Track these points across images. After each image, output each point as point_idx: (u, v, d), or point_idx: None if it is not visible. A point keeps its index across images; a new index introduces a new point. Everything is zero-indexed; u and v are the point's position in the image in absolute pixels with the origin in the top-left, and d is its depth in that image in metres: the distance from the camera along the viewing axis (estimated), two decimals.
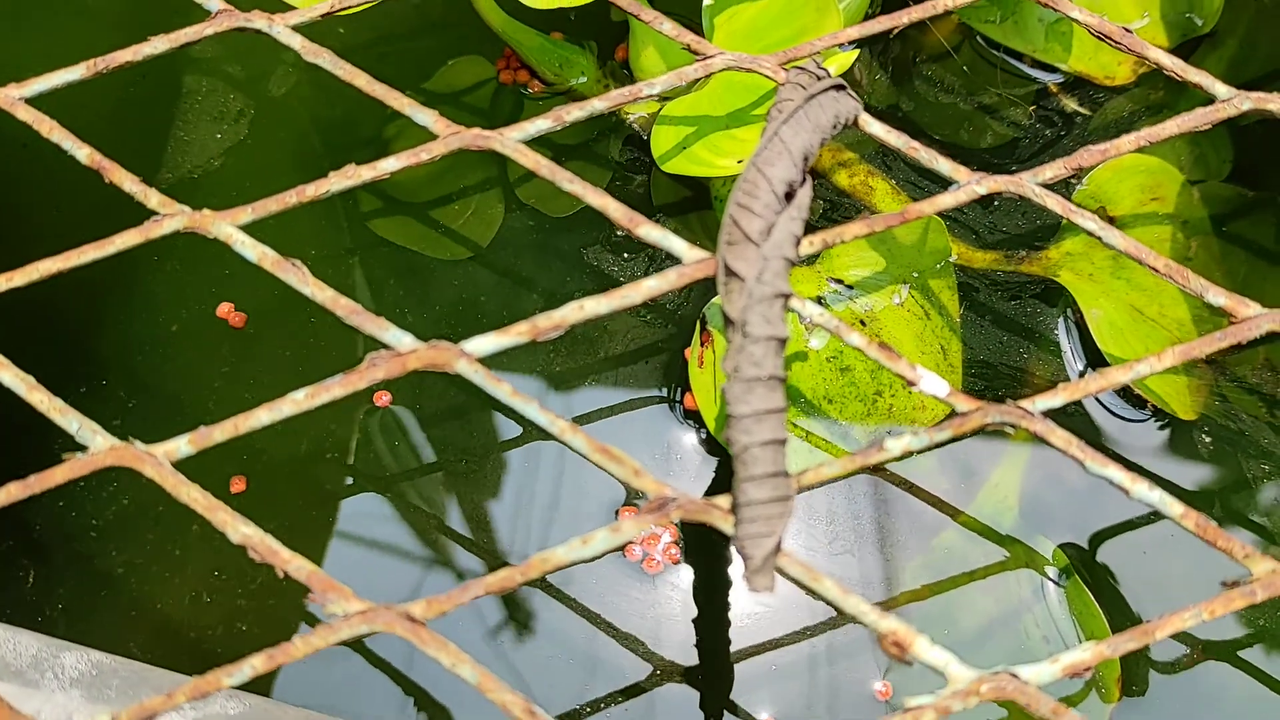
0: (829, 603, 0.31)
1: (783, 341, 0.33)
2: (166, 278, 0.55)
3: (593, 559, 0.32)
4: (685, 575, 0.49)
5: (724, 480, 0.51)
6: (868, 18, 0.57)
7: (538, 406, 0.34)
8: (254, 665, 0.31)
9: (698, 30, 0.46)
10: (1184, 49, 0.57)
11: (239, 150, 0.59)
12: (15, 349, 0.36)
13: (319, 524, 0.50)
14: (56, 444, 0.42)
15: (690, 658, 0.48)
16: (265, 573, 0.49)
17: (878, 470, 0.50)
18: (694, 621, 0.49)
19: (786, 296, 0.33)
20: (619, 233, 0.56)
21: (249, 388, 0.53)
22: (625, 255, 0.55)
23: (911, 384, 0.34)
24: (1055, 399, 0.34)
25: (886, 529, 0.49)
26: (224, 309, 0.54)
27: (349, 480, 0.51)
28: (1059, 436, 0.33)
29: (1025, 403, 0.34)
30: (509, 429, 0.52)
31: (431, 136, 0.38)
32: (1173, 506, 0.33)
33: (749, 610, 0.49)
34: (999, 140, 0.57)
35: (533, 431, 0.52)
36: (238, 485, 0.50)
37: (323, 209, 0.58)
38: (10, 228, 0.57)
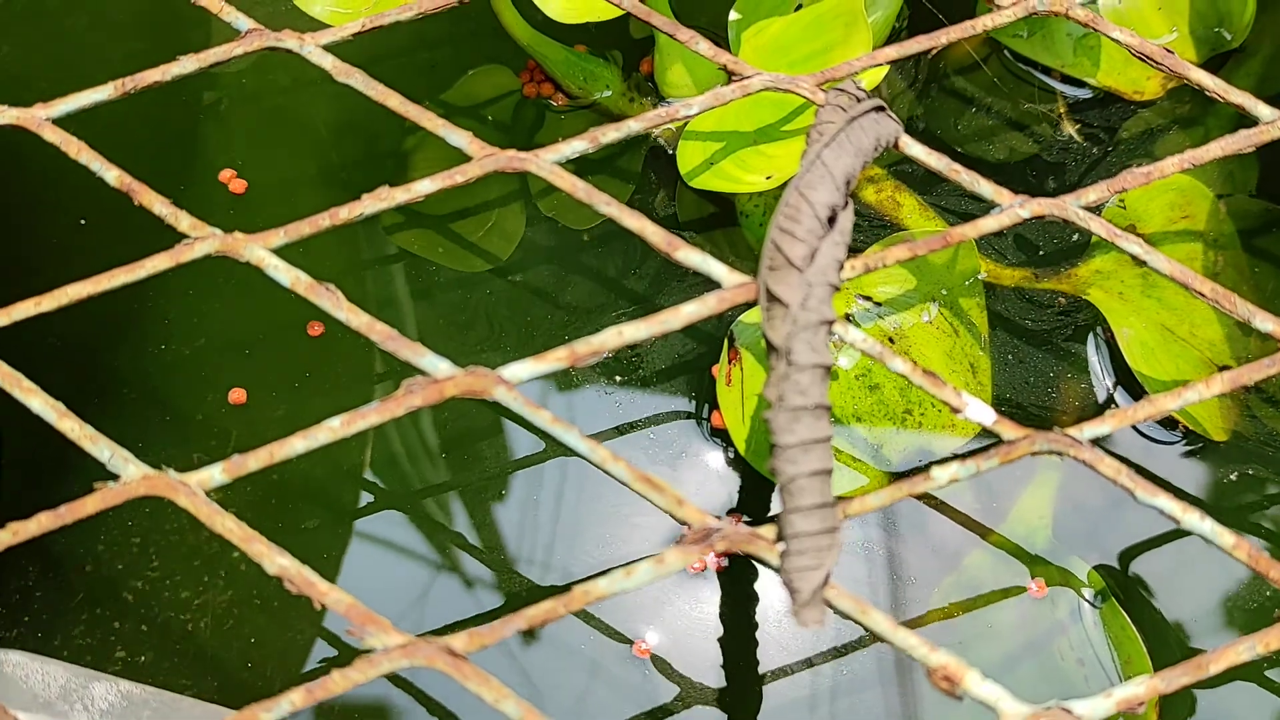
0: (878, 636, 0.31)
1: (828, 369, 0.32)
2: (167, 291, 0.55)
3: (635, 589, 0.32)
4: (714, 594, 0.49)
5: (751, 500, 0.50)
6: (894, 32, 0.57)
7: (578, 434, 0.33)
8: (293, 701, 0.30)
9: (720, 44, 0.45)
10: (1213, 63, 0.57)
11: (256, 165, 0.58)
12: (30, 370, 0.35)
13: (331, 539, 0.50)
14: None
15: (718, 679, 0.48)
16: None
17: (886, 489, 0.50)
18: (720, 641, 0.48)
19: (830, 323, 0.33)
20: (643, 247, 0.55)
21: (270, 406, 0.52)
22: (649, 268, 0.55)
23: (957, 411, 0.34)
24: (1103, 426, 0.33)
25: (916, 548, 0.49)
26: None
27: (363, 494, 0.51)
28: (1108, 465, 0.33)
29: (1073, 430, 0.33)
30: (524, 442, 0.52)
31: (462, 155, 0.38)
32: (1224, 537, 0.32)
33: (774, 632, 0.48)
34: (1026, 155, 0.57)
35: (553, 449, 0.51)
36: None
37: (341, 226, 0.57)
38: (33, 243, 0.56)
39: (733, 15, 0.52)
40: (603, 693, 0.47)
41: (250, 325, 0.54)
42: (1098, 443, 0.33)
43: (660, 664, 0.47)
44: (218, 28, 0.61)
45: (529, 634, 0.48)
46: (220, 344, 0.54)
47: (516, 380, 0.34)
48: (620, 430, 0.51)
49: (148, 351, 0.53)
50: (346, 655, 0.47)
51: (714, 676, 0.47)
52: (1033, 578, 0.48)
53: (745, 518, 0.50)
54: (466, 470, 0.51)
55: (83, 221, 0.56)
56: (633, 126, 0.38)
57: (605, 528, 0.50)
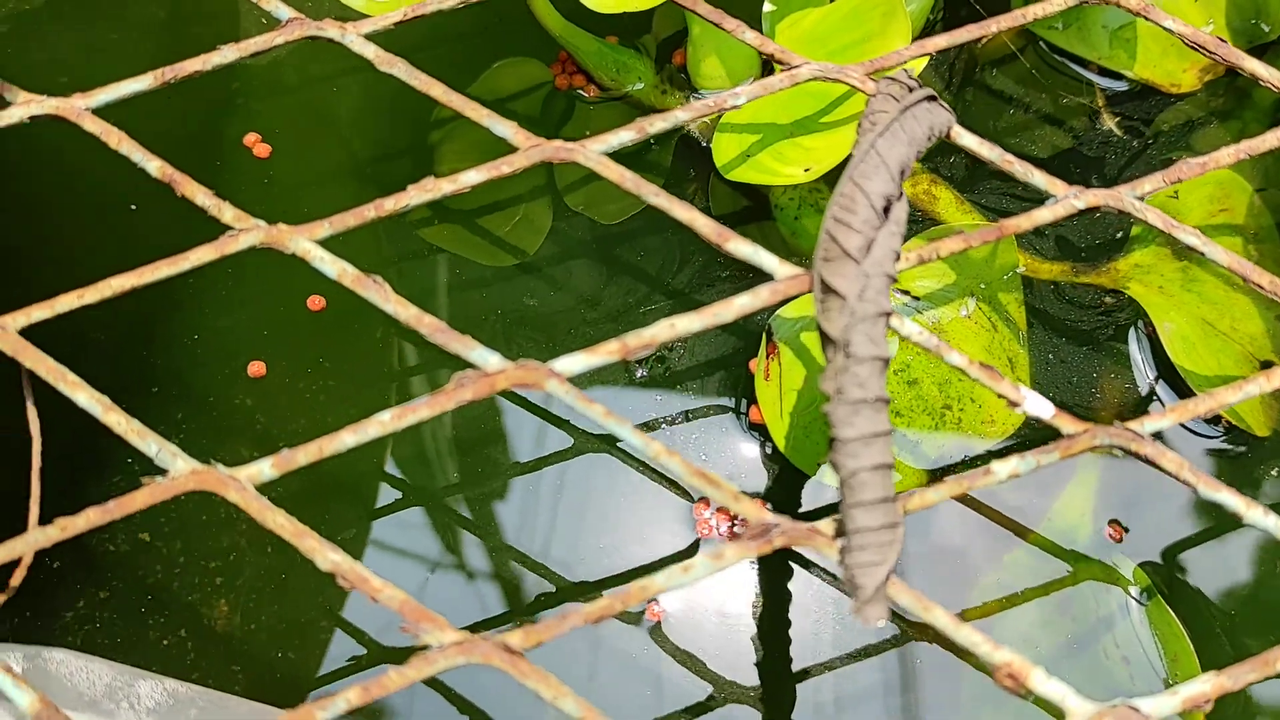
0: (940, 632, 0.31)
1: (886, 361, 0.32)
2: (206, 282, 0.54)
3: (692, 584, 0.31)
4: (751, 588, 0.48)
5: (785, 493, 0.50)
6: (928, 24, 0.57)
7: (630, 428, 0.33)
8: (349, 699, 0.30)
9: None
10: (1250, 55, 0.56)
11: (284, 156, 0.58)
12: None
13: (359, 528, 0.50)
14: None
15: (751, 677, 0.47)
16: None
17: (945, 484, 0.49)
18: (752, 639, 0.48)
19: (889, 314, 0.32)
20: (674, 240, 0.55)
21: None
22: (680, 261, 0.54)
23: (1014, 405, 0.33)
24: (1164, 420, 0.33)
25: (957, 545, 0.48)
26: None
27: (382, 491, 0.50)
28: (1170, 460, 0.32)
29: (1134, 424, 0.33)
30: (540, 436, 0.51)
31: (497, 145, 0.37)
32: None
33: (809, 628, 0.48)
34: (1064, 148, 0.56)
35: (582, 444, 0.51)
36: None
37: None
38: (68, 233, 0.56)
39: (767, 6, 0.51)
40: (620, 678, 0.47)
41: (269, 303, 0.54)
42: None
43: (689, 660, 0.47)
44: (245, 19, 0.60)
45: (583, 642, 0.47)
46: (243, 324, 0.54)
47: (568, 373, 0.33)
48: (655, 424, 0.51)
49: (178, 340, 0.53)
50: (374, 649, 0.47)
51: (747, 672, 0.47)
52: (1110, 524, 0.47)
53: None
54: (484, 466, 0.51)
55: (134, 207, 0.56)
56: (680, 116, 0.37)
57: (628, 520, 0.49)
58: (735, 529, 0.48)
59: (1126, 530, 0.48)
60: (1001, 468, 0.32)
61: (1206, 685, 0.30)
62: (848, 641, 0.47)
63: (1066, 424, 0.33)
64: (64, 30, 0.61)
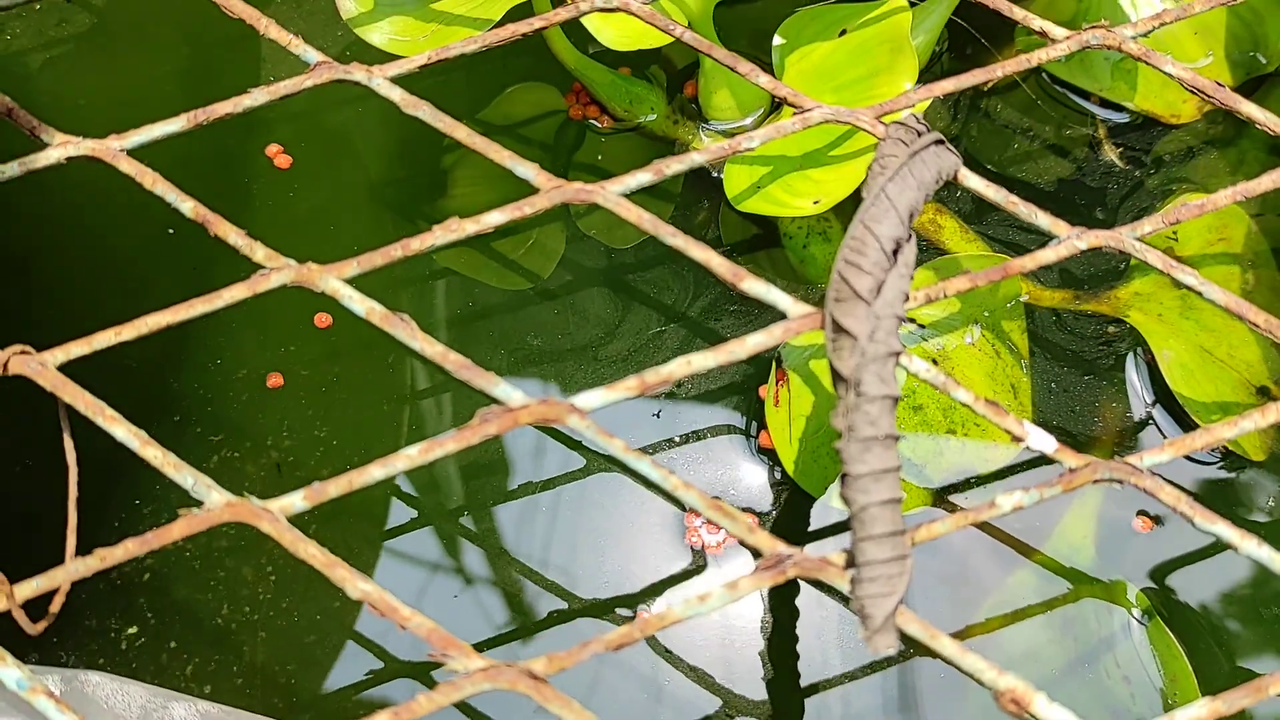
0: (947, 661, 0.32)
1: (896, 400, 0.33)
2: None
3: (708, 614, 0.33)
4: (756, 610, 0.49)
5: (794, 514, 0.51)
6: (934, 55, 0.58)
7: (650, 463, 0.34)
8: None
9: (764, 69, 0.46)
10: (1247, 87, 0.58)
11: (299, 181, 0.59)
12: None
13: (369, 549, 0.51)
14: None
15: (759, 692, 0.49)
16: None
17: (948, 506, 0.51)
18: (761, 655, 0.49)
19: (898, 354, 0.34)
20: (685, 268, 0.56)
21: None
22: (693, 285, 0.56)
23: (1019, 439, 0.34)
24: (1162, 455, 0.34)
25: (963, 566, 0.50)
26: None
27: (397, 504, 0.52)
28: (1168, 493, 0.33)
29: (1133, 459, 0.34)
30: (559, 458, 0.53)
31: (507, 176, 0.38)
32: None
33: (816, 644, 0.49)
34: (1065, 178, 0.58)
35: (593, 465, 0.52)
36: None
37: (387, 236, 0.58)
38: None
39: (777, 40, 0.52)
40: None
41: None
42: (1098, 450, 0.34)
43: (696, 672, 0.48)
44: (266, 48, 0.62)
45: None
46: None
47: (589, 408, 0.34)
48: (667, 446, 0.52)
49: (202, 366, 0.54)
50: (391, 664, 0.48)
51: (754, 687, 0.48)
52: (1138, 515, 0.48)
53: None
54: (489, 481, 0.52)
55: (170, 231, 0.57)
56: (696, 159, 0.38)
57: (634, 542, 0.50)
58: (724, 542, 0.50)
59: (1158, 521, 0.49)
60: (1006, 501, 0.33)
61: (1203, 710, 0.31)
62: (854, 658, 0.49)
63: (1069, 458, 0.34)
64: (93, 61, 0.63)
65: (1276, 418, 0.35)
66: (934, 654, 0.46)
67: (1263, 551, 0.33)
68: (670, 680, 0.48)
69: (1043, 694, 0.31)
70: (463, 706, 0.47)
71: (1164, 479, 0.34)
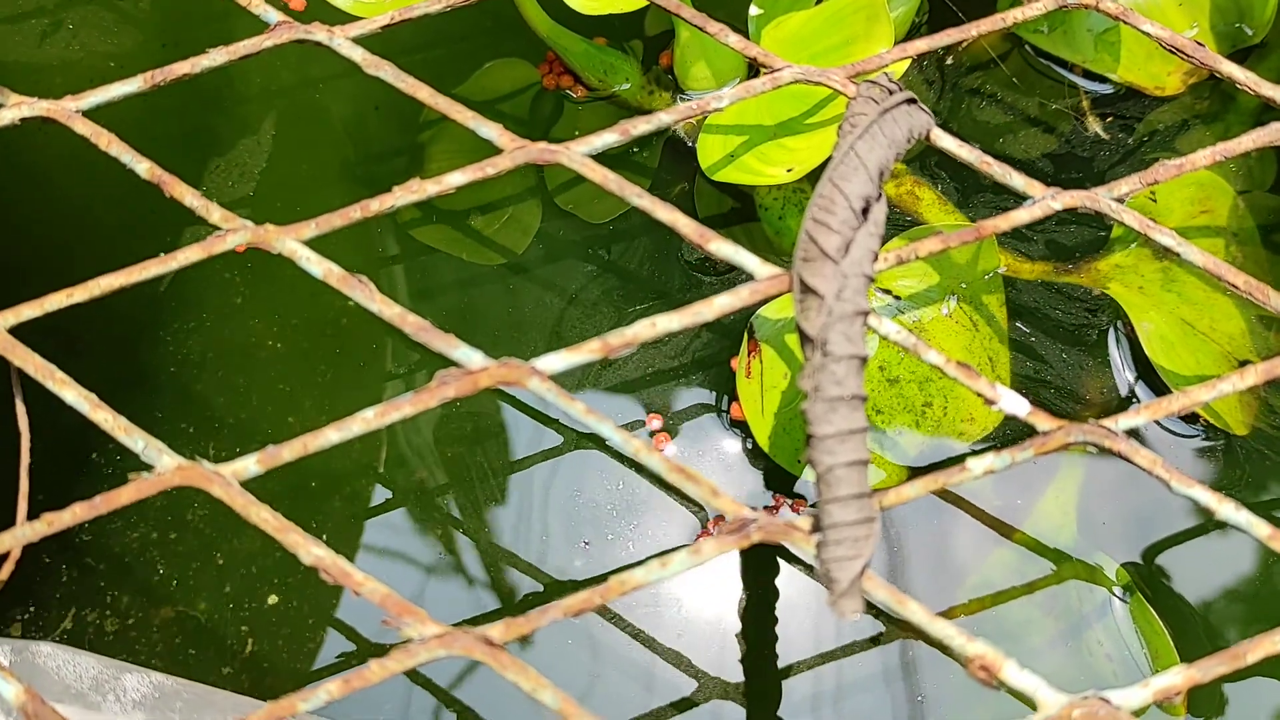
0: (914, 626, 0.31)
1: (864, 360, 0.32)
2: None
3: (670, 579, 0.32)
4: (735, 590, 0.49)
5: (770, 489, 0.50)
6: (913, 27, 0.57)
7: (612, 426, 0.33)
8: (329, 690, 0.30)
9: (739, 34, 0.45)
10: (1233, 59, 0.57)
11: (275, 159, 0.58)
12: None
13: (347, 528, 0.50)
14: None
15: (736, 674, 0.48)
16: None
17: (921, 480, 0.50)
18: (738, 636, 0.48)
19: (866, 314, 0.33)
20: (661, 240, 0.55)
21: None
22: (666, 260, 0.55)
23: (991, 402, 0.34)
24: (1138, 418, 0.33)
25: (940, 545, 0.49)
26: None
27: (377, 486, 0.51)
28: (1143, 456, 0.33)
29: (1108, 421, 0.33)
30: (533, 436, 0.52)
31: (485, 147, 0.38)
32: (1259, 528, 0.32)
33: (795, 624, 0.48)
34: (1048, 151, 0.57)
35: (570, 442, 0.51)
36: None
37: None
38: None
39: (753, 10, 0.52)
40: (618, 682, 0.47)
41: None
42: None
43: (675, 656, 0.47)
44: (241, 21, 0.61)
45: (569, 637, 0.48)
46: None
47: (550, 371, 0.34)
48: (639, 423, 0.51)
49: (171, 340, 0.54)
50: (364, 646, 0.48)
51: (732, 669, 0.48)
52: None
53: (785, 500, 0.50)
54: (473, 464, 0.51)
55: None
56: (664, 119, 0.38)
57: (622, 517, 0.50)
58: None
59: None
60: (977, 464, 0.33)
61: (1177, 678, 0.30)
62: (833, 638, 0.48)
63: (1041, 421, 0.33)
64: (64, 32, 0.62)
65: (1255, 380, 0.34)
66: (912, 634, 0.46)
67: (1240, 515, 0.32)
68: (653, 663, 0.47)
69: (1013, 660, 0.30)
70: (461, 706, 0.47)
71: (1145, 446, 0.33)
